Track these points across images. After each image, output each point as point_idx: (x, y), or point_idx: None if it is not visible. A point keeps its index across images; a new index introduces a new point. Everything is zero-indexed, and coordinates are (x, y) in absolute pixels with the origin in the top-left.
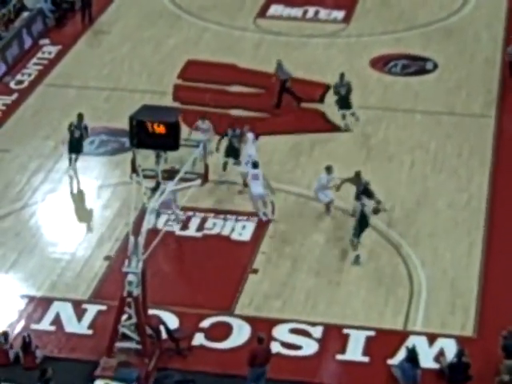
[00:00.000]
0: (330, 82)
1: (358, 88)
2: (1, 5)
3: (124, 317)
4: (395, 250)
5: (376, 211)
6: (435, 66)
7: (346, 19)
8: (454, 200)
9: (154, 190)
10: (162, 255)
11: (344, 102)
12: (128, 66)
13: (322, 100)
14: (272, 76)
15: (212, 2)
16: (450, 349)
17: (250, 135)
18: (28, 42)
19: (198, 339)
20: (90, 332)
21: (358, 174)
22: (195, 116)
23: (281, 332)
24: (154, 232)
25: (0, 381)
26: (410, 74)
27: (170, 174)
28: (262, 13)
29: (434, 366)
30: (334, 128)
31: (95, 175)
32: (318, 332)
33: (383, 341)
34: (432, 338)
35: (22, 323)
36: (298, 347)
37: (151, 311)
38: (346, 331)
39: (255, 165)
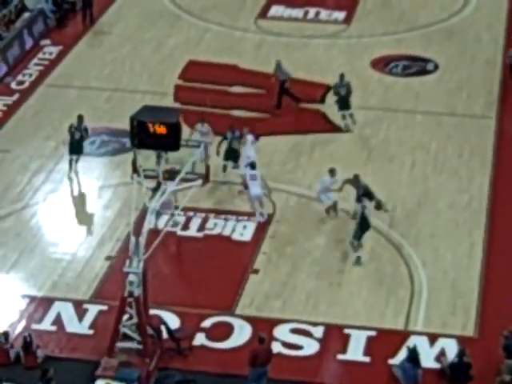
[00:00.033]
0: (331, 82)
1: (359, 89)
2: (2, 5)
3: (125, 317)
4: (396, 251)
5: (378, 207)
6: (436, 67)
7: (347, 20)
8: (455, 201)
9: (155, 190)
10: (163, 255)
11: (343, 103)
12: (129, 67)
13: (322, 100)
14: (271, 76)
15: (213, 3)
16: (451, 349)
17: (249, 137)
18: (29, 43)
19: (199, 339)
20: (90, 332)
21: (356, 177)
22: (196, 116)
23: (282, 332)
24: (154, 232)
25: (1, 380)
26: (410, 75)
27: (171, 175)
28: (263, 13)
29: (435, 365)
30: (334, 129)
31: (96, 175)
32: (318, 332)
33: (384, 341)
34: (433, 338)
35: (23, 323)
36: (299, 347)
37: (152, 311)
38: (346, 331)
39: (253, 165)
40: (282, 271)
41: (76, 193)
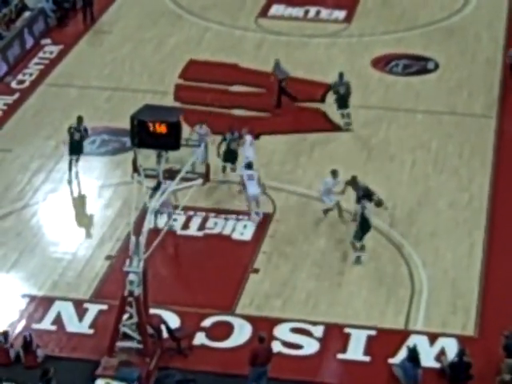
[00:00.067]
0: (332, 81)
1: (360, 88)
2: (2, 4)
3: (125, 316)
4: (396, 250)
5: (378, 204)
6: (436, 66)
7: (348, 19)
8: (455, 200)
9: (155, 189)
10: (163, 255)
11: (342, 102)
12: (129, 66)
13: (323, 100)
14: (270, 75)
15: (213, 2)
16: (451, 348)
17: (247, 137)
18: (29, 42)
19: (199, 338)
20: (91, 331)
21: (354, 178)
22: (197, 116)
23: (282, 331)
24: (155, 232)
25: (1, 380)
26: (411, 74)
27: (172, 174)
28: (264, 12)
29: (435, 365)
30: (334, 128)
31: (96, 175)
32: (319, 331)
33: (384, 340)
34: (433, 338)
35: (23, 323)
36: (299, 346)
37: (152, 310)
38: (347, 330)
39: (249, 165)
40: (282, 270)
41: (76, 192)
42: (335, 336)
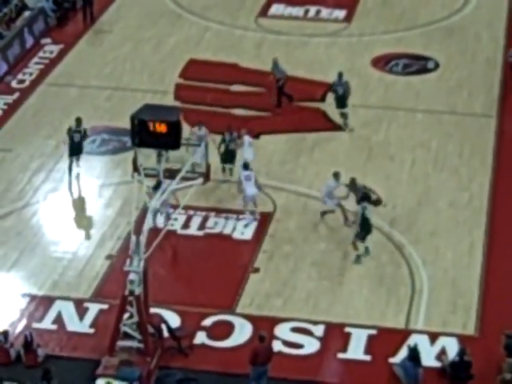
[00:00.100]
0: (332, 81)
1: (359, 87)
2: (2, 4)
3: (126, 315)
4: (397, 249)
5: (377, 203)
6: (436, 66)
7: (348, 18)
8: (456, 199)
9: (156, 188)
10: (163, 254)
11: (340, 101)
12: (129, 65)
13: (323, 99)
14: (269, 75)
15: (213, 1)
16: (452, 347)
17: (246, 138)
18: (29, 41)
19: (200, 338)
20: (91, 331)
21: (353, 181)
22: (197, 115)
23: (282, 330)
24: (155, 231)
25: (2, 379)
26: (411, 74)
27: (172, 173)
28: (264, 12)
29: (436, 364)
30: (334, 127)
31: (97, 174)
32: (319, 330)
33: (385, 339)
34: (434, 337)
35: (23, 322)
36: (300, 346)
37: (153, 310)
38: (347, 330)
39: (246, 166)
40: (283, 270)
41: (76, 192)
42: (336, 335)
